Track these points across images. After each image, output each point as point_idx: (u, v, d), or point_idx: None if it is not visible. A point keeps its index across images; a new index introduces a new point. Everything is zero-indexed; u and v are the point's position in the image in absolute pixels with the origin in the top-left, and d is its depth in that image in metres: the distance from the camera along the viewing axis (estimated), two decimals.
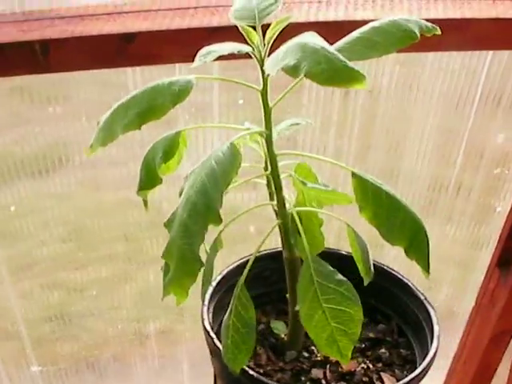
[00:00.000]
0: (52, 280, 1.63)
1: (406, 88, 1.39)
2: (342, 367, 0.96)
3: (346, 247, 0.96)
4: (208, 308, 0.96)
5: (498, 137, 1.48)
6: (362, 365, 0.97)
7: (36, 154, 1.40)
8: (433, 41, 1.19)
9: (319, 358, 0.96)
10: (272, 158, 0.85)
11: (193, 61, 0.79)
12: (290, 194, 0.93)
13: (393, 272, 1.03)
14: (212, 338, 0.90)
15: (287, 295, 0.95)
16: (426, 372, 0.91)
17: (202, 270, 0.90)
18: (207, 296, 0.97)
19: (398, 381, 0.93)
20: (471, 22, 1.21)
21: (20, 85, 1.32)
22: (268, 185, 0.90)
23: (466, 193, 1.54)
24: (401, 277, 1.02)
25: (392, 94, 1.40)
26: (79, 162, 1.43)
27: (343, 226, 0.90)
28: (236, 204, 1.46)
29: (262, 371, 0.95)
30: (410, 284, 1.01)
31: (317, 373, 0.94)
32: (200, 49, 0.81)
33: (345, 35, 0.80)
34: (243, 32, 0.80)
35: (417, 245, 0.82)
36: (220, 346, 0.88)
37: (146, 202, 0.92)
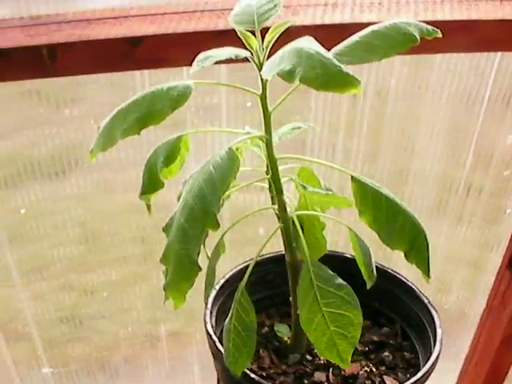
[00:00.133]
0: (65, 282, 1.63)
1: (415, 89, 1.39)
2: (344, 370, 0.95)
3: None
4: (211, 312, 0.96)
5: (507, 138, 1.48)
6: (365, 368, 0.97)
7: (50, 156, 1.41)
8: (439, 42, 1.19)
9: (322, 362, 0.97)
10: (272, 162, 0.85)
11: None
12: (292, 198, 0.93)
13: (396, 275, 1.03)
14: (214, 342, 0.91)
15: (291, 298, 0.96)
16: (429, 375, 0.91)
17: (205, 273, 0.92)
18: (210, 300, 0.97)
19: None
20: (477, 24, 1.21)
21: (34, 87, 1.33)
22: (270, 188, 0.90)
23: (476, 194, 1.53)
24: (405, 280, 1.02)
25: (401, 94, 1.40)
26: (94, 163, 1.43)
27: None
28: (245, 206, 1.46)
29: (264, 374, 0.95)
30: (413, 287, 1.01)
31: (319, 376, 0.95)
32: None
33: None
34: (241, 37, 0.80)
35: (417, 248, 0.81)
36: (222, 350, 0.88)
37: (149, 207, 0.93)
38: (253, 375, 0.87)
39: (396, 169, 1.51)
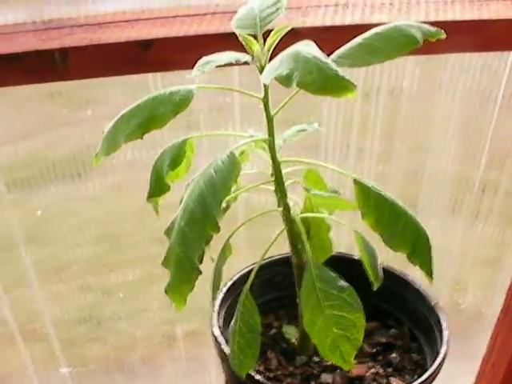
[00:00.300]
0: (83, 283, 1.65)
1: (428, 88, 1.38)
2: (351, 372, 0.96)
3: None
4: (218, 314, 0.97)
5: None
6: (372, 369, 0.97)
7: (68, 157, 1.43)
8: (450, 43, 1.19)
9: (329, 363, 0.97)
10: (276, 165, 0.85)
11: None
12: (298, 200, 0.93)
13: (404, 277, 1.03)
14: (220, 344, 0.91)
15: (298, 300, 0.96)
16: (435, 377, 0.91)
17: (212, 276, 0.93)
18: (217, 302, 0.98)
19: None
20: (489, 24, 1.20)
21: (56, 89, 1.34)
22: (275, 191, 0.90)
23: (491, 192, 1.52)
24: (412, 281, 1.02)
25: (414, 94, 1.40)
26: (111, 165, 1.45)
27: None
28: (261, 206, 1.47)
29: (271, 376, 0.95)
30: (421, 289, 1.01)
31: (326, 377, 0.95)
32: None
33: None
34: (242, 41, 0.81)
35: (419, 250, 0.82)
36: (227, 352, 0.89)
37: (156, 209, 0.93)
38: (258, 377, 0.87)
39: (411, 168, 1.50)
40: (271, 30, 0.84)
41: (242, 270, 1.03)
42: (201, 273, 0.76)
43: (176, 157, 0.86)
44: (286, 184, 0.87)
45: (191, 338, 1.72)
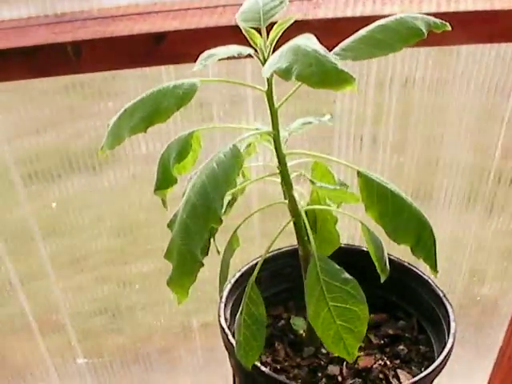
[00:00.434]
0: (100, 274, 1.66)
1: (441, 79, 1.38)
2: (358, 363, 0.96)
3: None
4: (225, 305, 0.97)
5: None
6: (380, 361, 0.97)
7: (89, 148, 1.44)
8: (462, 33, 1.19)
9: (336, 355, 0.97)
10: (281, 157, 0.86)
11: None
12: (305, 192, 0.94)
13: (413, 268, 1.03)
14: (227, 335, 0.92)
15: None
16: (441, 369, 0.91)
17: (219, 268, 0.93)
18: (225, 293, 0.99)
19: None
20: (500, 14, 1.20)
21: (73, 81, 1.34)
22: (281, 183, 0.90)
23: (507, 183, 1.51)
24: (421, 273, 1.02)
25: (427, 85, 1.39)
26: (132, 156, 1.46)
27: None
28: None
29: (278, 367, 0.96)
30: (430, 281, 1.01)
31: (333, 369, 0.95)
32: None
33: None
34: (245, 34, 0.81)
35: (423, 243, 0.82)
36: (234, 343, 0.89)
37: (164, 202, 0.94)
38: (263, 368, 0.88)
39: (425, 158, 1.50)
40: (275, 23, 0.84)
41: (250, 262, 1.03)
42: (202, 265, 0.76)
43: (182, 149, 0.87)
44: (291, 176, 0.87)
45: (207, 329, 1.73)
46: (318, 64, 0.68)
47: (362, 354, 0.98)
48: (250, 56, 0.80)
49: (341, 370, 0.95)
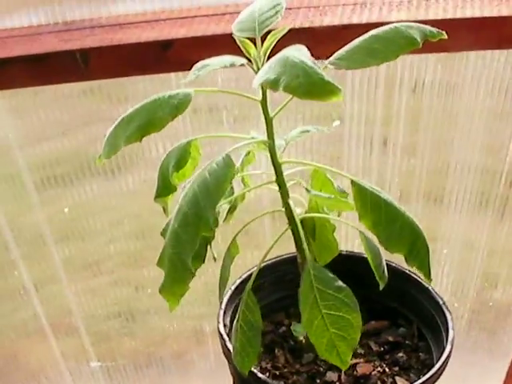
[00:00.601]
0: (117, 278, 1.67)
1: (450, 84, 1.38)
2: (357, 371, 0.96)
3: None
4: (225, 312, 0.98)
5: None
6: (379, 368, 0.97)
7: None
8: (469, 40, 1.19)
9: None
10: (276, 166, 0.86)
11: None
12: (302, 200, 0.94)
13: (413, 275, 1.03)
14: (224, 341, 0.93)
15: None
16: (438, 376, 0.91)
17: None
18: (225, 300, 0.99)
19: None
20: (508, 20, 1.19)
21: (91, 85, 1.36)
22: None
23: None
24: (421, 280, 1.02)
25: (437, 89, 1.39)
26: (150, 160, 1.47)
27: None
28: None
29: (277, 373, 0.97)
30: (429, 288, 1.01)
31: (332, 376, 0.96)
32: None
33: None
34: (240, 44, 0.82)
35: (416, 252, 0.82)
36: (231, 349, 0.90)
37: (165, 210, 0.95)
38: (260, 374, 0.88)
39: (437, 161, 1.49)
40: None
41: (251, 269, 1.04)
42: (193, 274, 0.77)
43: (181, 158, 0.87)
44: (288, 184, 0.88)
45: None
46: (304, 75, 0.69)
47: (361, 360, 0.99)
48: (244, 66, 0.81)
49: (339, 376, 0.95)
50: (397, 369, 0.98)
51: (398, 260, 1.01)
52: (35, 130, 1.43)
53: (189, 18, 1.25)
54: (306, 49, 0.75)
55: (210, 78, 1.31)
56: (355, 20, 1.21)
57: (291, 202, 0.88)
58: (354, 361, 0.98)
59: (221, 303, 0.99)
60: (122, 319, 1.66)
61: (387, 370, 0.97)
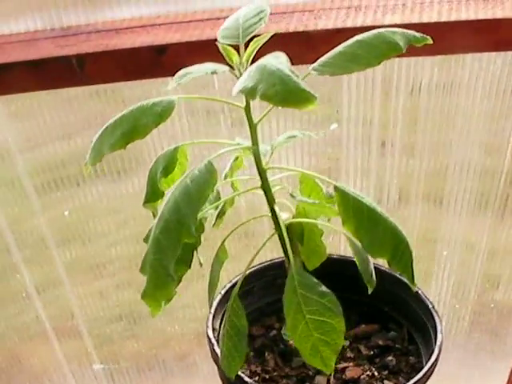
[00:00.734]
0: (120, 280, 1.68)
1: (447, 86, 1.37)
2: (346, 374, 0.97)
3: None
4: (214, 316, 0.99)
5: None
6: (368, 372, 0.98)
7: (114, 154, 1.45)
8: (464, 42, 1.19)
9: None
10: (261, 172, 0.87)
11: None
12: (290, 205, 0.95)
13: (402, 279, 1.03)
14: (212, 345, 0.94)
15: None
16: (426, 380, 0.91)
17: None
18: (214, 304, 1.00)
19: None
20: (503, 23, 1.19)
21: (102, 87, 1.37)
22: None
23: None
24: (410, 284, 1.02)
25: (434, 91, 1.39)
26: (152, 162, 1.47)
27: None
28: None
29: (267, 377, 0.97)
30: (419, 291, 1.01)
31: (320, 380, 0.96)
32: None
33: None
34: (222, 51, 0.83)
35: (399, 257, 0.82)
36: (219, 353, 0.91)
37: (154, 215, 0.96)
38: (246, 378, 0.89)
39: (436, 162, 1.49)
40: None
41: (240, 274, 1.04)
42: (174, 280, 0.77)
43: (168, 164, 0.88)
44: (274, 190, 0.88)
45: None
46: (281, 83, 0.69)
47: (350, 364, 0.99)
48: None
49: (328, 380, 0.96)
50: (386, 372, 0.98)
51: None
52: (42, 132, 1.43)
53: (184, 23, 1.25)
54: (284, 56, 0.75)
55: (209, 79, 1.33)
56: (349, 24, 1.21)
57: (276, 208, 0.89)
58: (344, 365, 0.99)
59: (210, 307, 1.00)
60: (125, 322, 1.67)
61: (376, 373, 0.98)
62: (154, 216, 0.96)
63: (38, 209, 1.49)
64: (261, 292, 1.06)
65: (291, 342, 1.02)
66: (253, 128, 0.84)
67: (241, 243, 1.60)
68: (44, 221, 1.51)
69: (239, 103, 0.84)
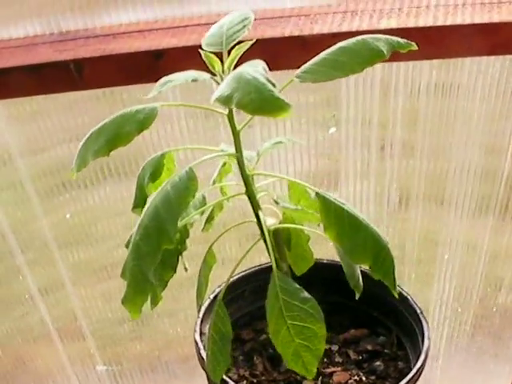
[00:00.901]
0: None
1: (447, 88, 1.37)
2: (333, 379, 0.97)
3: None
4: (202, 320, 0.99)
5: None
6: (355, 377, 0.98)
7: (121, 156, 1.47)
8: (461, 46, 1.19)
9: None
10: (245, 178, 0.87)
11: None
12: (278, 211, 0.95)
13: None
14: (199, 349, 0.94)
15: None
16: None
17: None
18: (203, 308, 1.01)
19: None
20: (499, 26, 1.19)
21: (108, 89, 1.37)
22: None
23: None
24: (400, 289, 1.02)
25: (432, 93, 1.39)
26: None
27: None
28: None
29: (255, 381, 0.98)
30: (408, 297, 1.01)
31: None
32: None
33: None
34: (205, 59, 0.83)
35: (380, 263, 0.83)
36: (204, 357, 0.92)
37: None
38: (231, 382, 0.89)
39: (435, 164, 1.49)
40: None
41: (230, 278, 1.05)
42: (153, 285, 0.78)
43: (155, 170, 0.89)
44: (257, 196, 0.89)
45: None
46: (256, 92, 0.70)
47: (338, 369, 0.99)
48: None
49: None
50: (374, 378, 0.98)
51: None
52: (50, 134, 1.44)
53: (181, 28, 1.26)
54: (262, 64, 0.75)
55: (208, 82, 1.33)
56: (345, 28, 1.21)
57: (261, 214, 0.89)
58: (332, 369, 0.99)
59: (198, 312, 1.00)
60: (128, 324, 1.68)
61: (364, 378, 0.98)
62: None
63: (41, 212, 1.50)
64: (252, 296, 1.06)
65: None
66: (236, 135, 0.85)
67: (248, 244, 1.60)
68: (47, 223, 1.52)
69: (223, 110, 0.84)
